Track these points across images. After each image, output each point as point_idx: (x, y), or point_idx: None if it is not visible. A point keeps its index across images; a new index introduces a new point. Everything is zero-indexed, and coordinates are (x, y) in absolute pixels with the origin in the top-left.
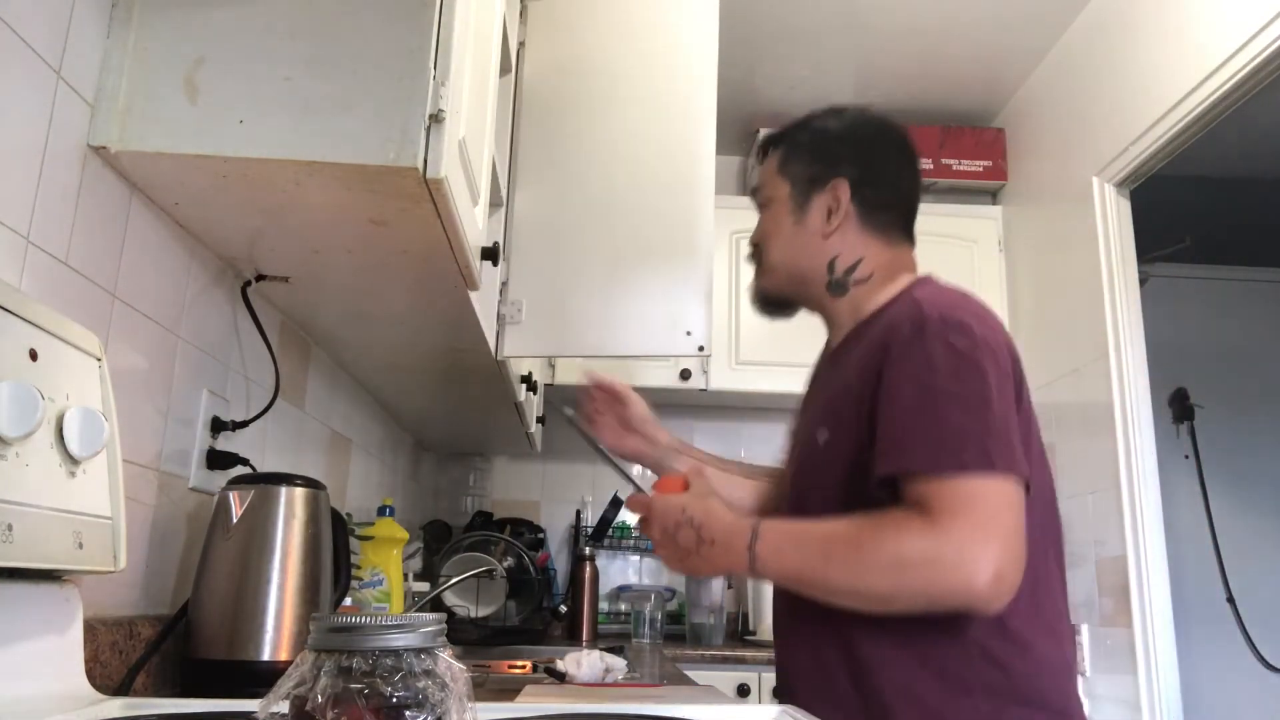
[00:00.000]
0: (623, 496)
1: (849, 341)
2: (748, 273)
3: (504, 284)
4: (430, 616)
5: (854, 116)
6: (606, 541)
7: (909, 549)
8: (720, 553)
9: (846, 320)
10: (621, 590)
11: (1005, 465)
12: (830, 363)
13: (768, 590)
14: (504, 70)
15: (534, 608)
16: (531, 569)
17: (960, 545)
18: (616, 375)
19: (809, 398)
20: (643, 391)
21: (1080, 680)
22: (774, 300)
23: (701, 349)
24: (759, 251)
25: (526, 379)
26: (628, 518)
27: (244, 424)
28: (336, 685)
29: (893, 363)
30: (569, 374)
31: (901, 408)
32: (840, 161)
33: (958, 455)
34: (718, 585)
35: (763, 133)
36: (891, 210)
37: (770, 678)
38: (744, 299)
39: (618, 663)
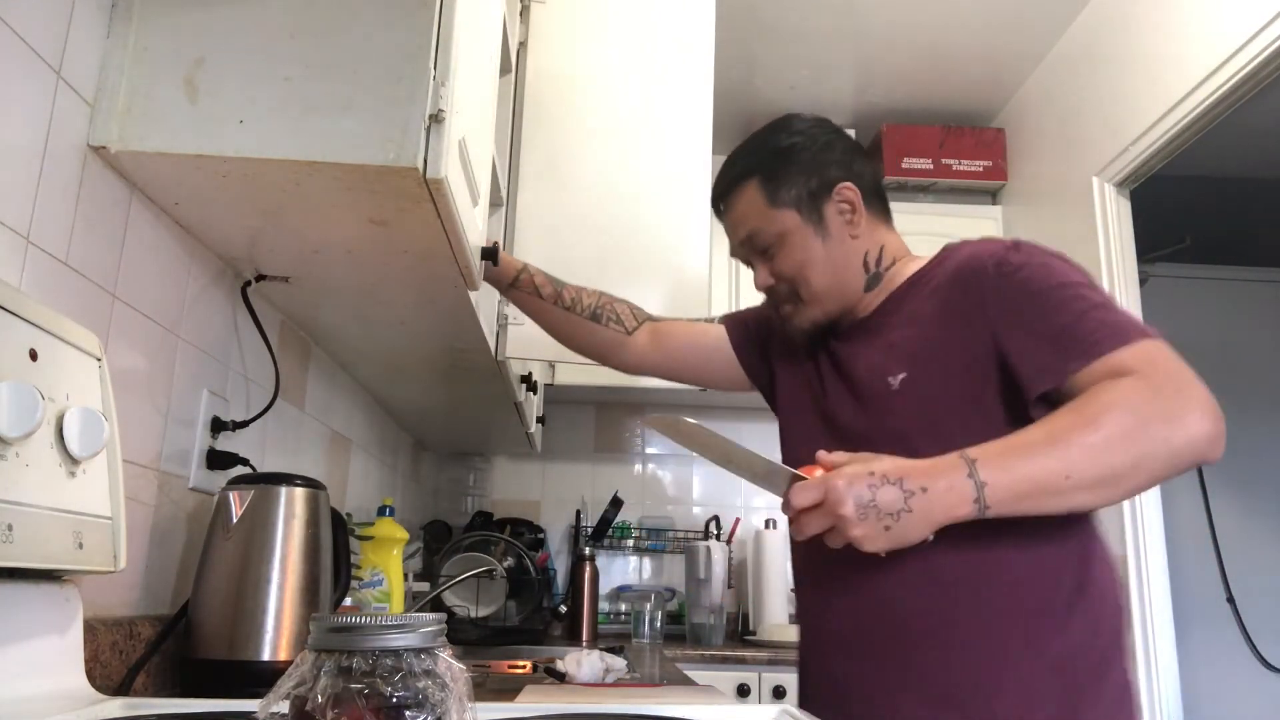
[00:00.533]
0: (622, 497)
1: (888, 306)
2: (749, 275)
3: None
4: (430, 616)
5: (802, 124)
6: (606, 541)
7: (1141, 405)
8: (932, 499)
9: (877, 298)
10: (621, 590)
11: (1153, 332)
12: (855, 334)
13: (768, 591)
14: (504, 70)
15: (534, 608)
16: (531, 569)
17: (1179, 392)
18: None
19: (832, 368)
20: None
21: None
22: (823, 326)
23: None
24: (794, 288)
25: (526, 379)
26: (628, 517)
27: (244, 424)
28: (336, 685)
29: (1013, 289)
30: (569, 375)
31: (1052, 318)
32: (828, 166)
33: (1122, 333)
34: (718, 585)
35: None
36: (879, 194)
37: (770, 677)
38: (744, 299)
39: (618, 663)
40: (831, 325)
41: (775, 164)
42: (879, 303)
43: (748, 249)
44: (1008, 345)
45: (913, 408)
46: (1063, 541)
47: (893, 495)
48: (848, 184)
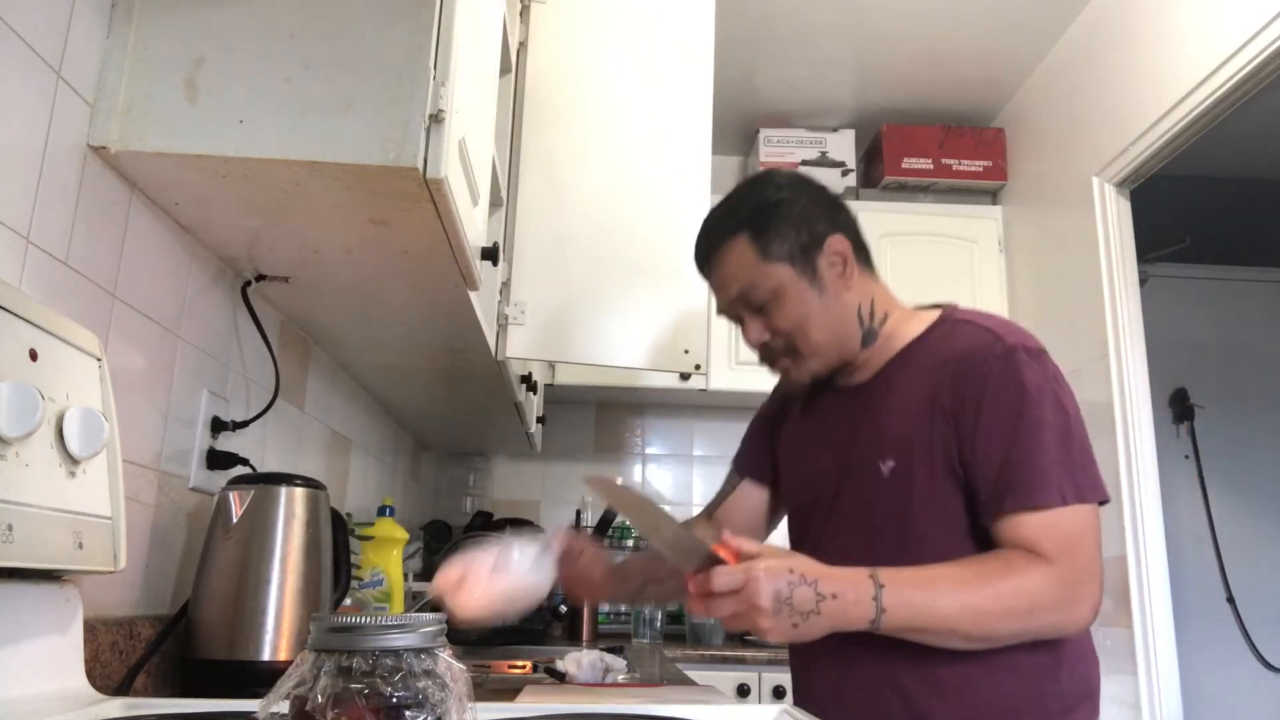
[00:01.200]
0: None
1: (886, 375)
2: None
3: (505, 284)
4: (430, 616)
5: (783, 180)
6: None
7: (1038, 595)
8: (840, 607)
9: (875, 359)
10: None
11: (1094, 493)
12: (856, 398)
13: None
14: (504, 70)
15: (534, 608)
16: None
17: (1077, 587)
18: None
19: (826, 432)
20: (643, 392)
21: None
22: (822, 379)
23: (698, 367)
24: (792, 342)
25: (526, 379)
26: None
27: (244, 424)
28: (336, 685)
29: (981, 398)
30: (569, 375)
31: (1001, 443)
32: (816, 220)
33: (1060, 489)
34: None
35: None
36: (864, 246)
37: (770, 677)
38: None
39: (618, 663)
40: (828, 379)
41: (764, 219)
42: (878, 367)
43: (740, 306)
44: (967, 462)
45: (898, 499)
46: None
47: (807, 596)
48: (838, 236)
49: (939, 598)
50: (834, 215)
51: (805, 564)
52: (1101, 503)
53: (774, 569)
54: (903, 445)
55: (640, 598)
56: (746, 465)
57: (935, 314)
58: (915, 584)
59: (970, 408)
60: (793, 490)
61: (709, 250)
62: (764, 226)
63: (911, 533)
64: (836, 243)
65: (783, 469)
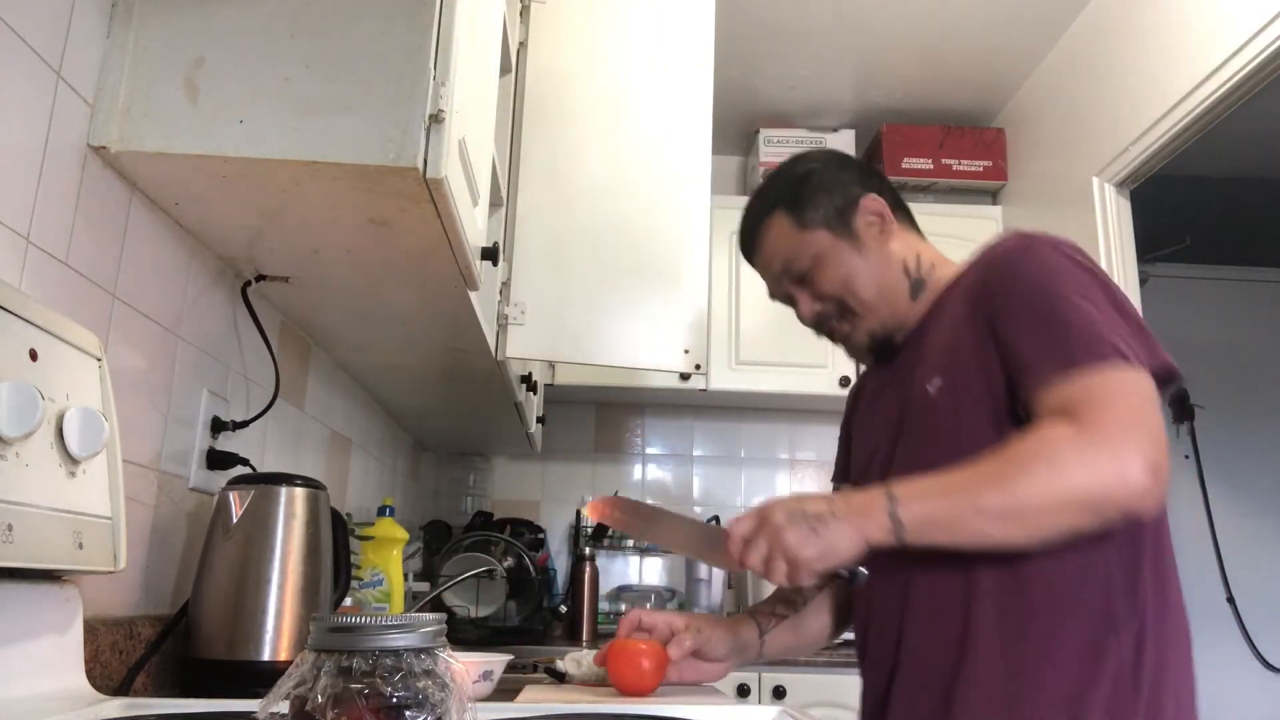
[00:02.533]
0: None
1: (928, 321)
2: (752, 273)
3: (505, 284)
4: (430, 616)
5: (813, 154)
6: (606, 541)
7: (1060, 453)
8: (855, 510)
9: (921, 307)
10: (621, 590)
11: (1139, 357)
12: (906, 348)
13: (768, 591)
14: (504, 70)
15: (534, 608)
16: (531, 569)
17: (1111, 439)
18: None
19: (883, 393)
20: (643, 392)
21: None
22: (881, 339)
23: (698, 367)
24: (843, 304)
25: (526, 379)
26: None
27: (244, 424)
28: (336, 685)
29: (1006, 283)
30: (569, 375)
31: (1027, 319)
32: (848, 184)
33: (1091, 348)
34: (718, 585)
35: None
36: (903, 207)
37: (770, 678)
38: (744, 298)
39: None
40: (887, 344)
41: (796, 190)
42: (924, 311)
43: (786, 281)
44: (1002, 345)
45: (948, 414)
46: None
47: (818, 504)
48: (871, 195)
49: (951, 477)
50: (866, 178)
51: (812, 494)
52: (1165, 379)
53: (781, 498)
54: (946, 361)
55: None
56: (839, 474)
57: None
58: (929, 480)
59: (1001, 296)
60: (855, 460)
61: (751, 236)
62: (797, 198)
63: (953, 451)
64: (871, 202)
65: (852, 444)
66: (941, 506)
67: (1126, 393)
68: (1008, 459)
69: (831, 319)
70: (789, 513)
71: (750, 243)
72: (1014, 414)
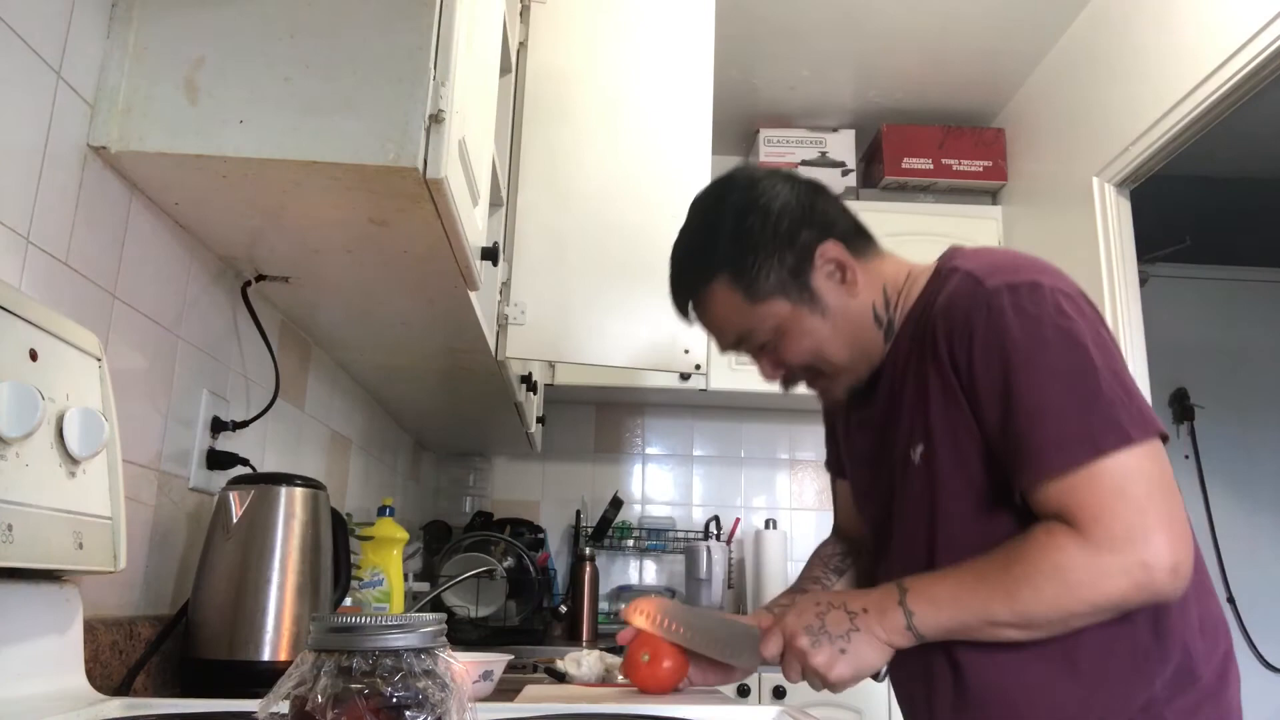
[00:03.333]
0: (622, 497)
1: (895, 351)
2: None
3: (505, 284)
4: (430, 616)
5: (743, 195)
6: (606, 541)
7: (1067, 570)
8: (873, 619)
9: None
10: (621, 590)
11: (1138, 429)
12: (879, 379)
13: (768, 591)
14: (504, 70)
15: (534, 608)
16: (531, 569)
17: (1118, 548)
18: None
19: (866, 420)
20: (643, 392)
21: None
22: (860, 388)
23: (698, 367)
24: (814, 369)
25: (526, 379)
26: (628, 517)
27: (244, 424)
28: (336, 685)
29: (975, 355)
30: (569, 375)
31: (1009, 406)
32: (796, 231)
33: (1086, 440)
34: (718, 585)
35: (679, 307)
36: (858, 229)
37: (771, 678)
38: None
39: (618, 663)
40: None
41: (739, 255)
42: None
43: (744, 348)
44: (980, 425)
45: (931, 483)
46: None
47: (839, 618)
48: (827, 243)
49: (962, 587)
50: (814, 215)
51: (832, 594)
52: (1163, 437)
53: (800, 608)
54: (927, 429)
55: None
56: (833, 465)
57: (930, 269)
58: (938, 579)
59: (965, 374)
60: (850, 476)
61: (687, 298)
62: (742, 263)
63: (929, 523)
64: (828, 250)
65: (846, 464)
66: (955, 617)
67: (1131, 483)
68: (1014, 570)
69: (799, 380)
70: (810, 632)
71: (686, 305)
72: (994, 487)
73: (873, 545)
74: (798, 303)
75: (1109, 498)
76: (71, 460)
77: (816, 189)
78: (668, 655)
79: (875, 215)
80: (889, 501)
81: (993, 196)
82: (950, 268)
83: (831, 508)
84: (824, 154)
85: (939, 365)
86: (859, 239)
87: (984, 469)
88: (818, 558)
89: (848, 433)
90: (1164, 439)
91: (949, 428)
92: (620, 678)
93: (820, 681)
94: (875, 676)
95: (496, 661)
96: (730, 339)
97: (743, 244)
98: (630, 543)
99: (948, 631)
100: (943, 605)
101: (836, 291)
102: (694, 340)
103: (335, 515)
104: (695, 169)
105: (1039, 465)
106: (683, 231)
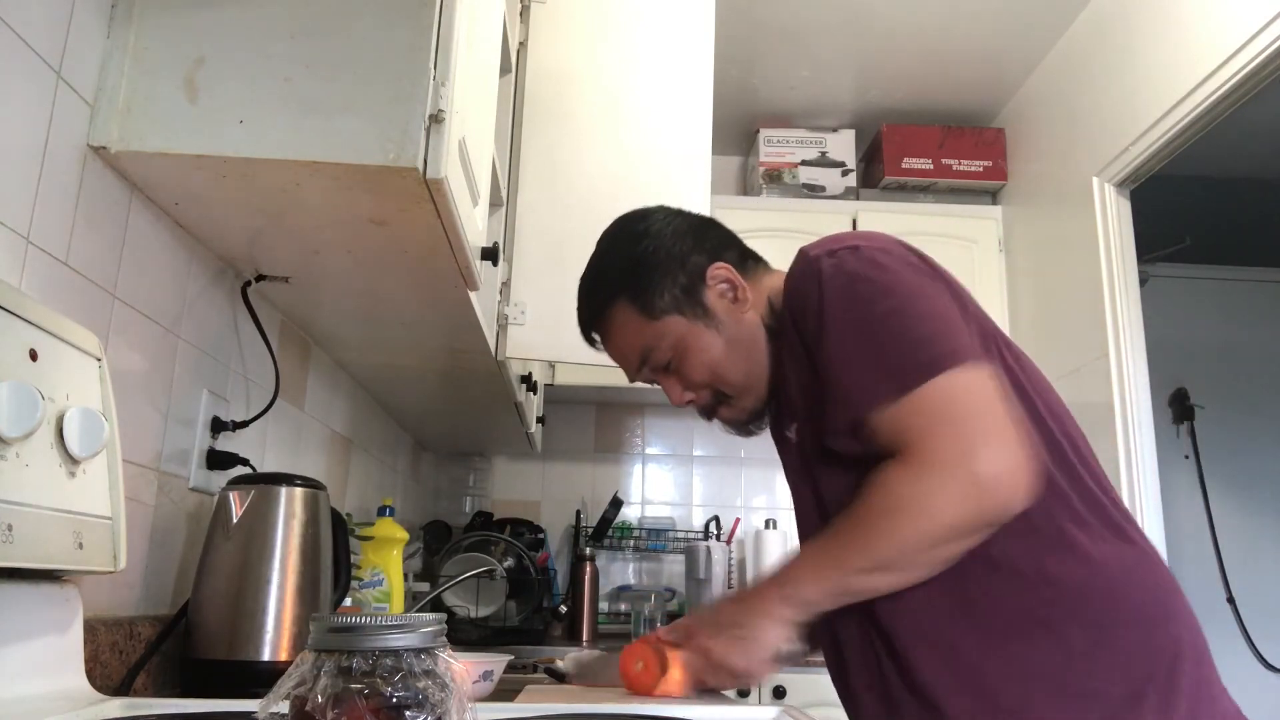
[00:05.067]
0: (622, 497)
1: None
2: None
3: (505, 284)
4: (430, 616)
5: (642, 225)
6: (606, 541)
7: (901, 498)
8: (757, 597)
9: None
10: (621, 590)
11: (948, 359)
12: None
13: None
14: (504, 70)
15: (534, 608)
16: (531, 569)
17: (942, 463)
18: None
19: (783, 452)
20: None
21: None
22: (762, 411)
23: None
24: (715, 388)
25: (526, 379)
26: (628, 517)
27: (244, 424)
28: (336, 685)
29: (807, 321)
30: (569, 375)
31: (827, 359)
32: (689, 254)
33: (899, 373)
34: (718, 585)
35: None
36: (747, 253)
37: (770, 677)
38: None
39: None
40: (766, 411)
41: (636, 276)
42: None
43: (648, 370)
44: (819, 360)
45: (805, 456)
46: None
47: (730, 611)
48: (718, 264)
49: (823, 547)
50: (704, 240)
51: (718, 600)
52: (980, 363)
53: (695, 618)
54: (792, 405)
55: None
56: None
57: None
58: (802, 553)
59: (808, 336)
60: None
61: (592, 325)
62: (638, 285)
63: (814, 494)
64: (718, 270)
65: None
66: (825, 582)
67: (947, 405)
68: (858, 515)
69: (708, 403)
70: (713, 628)
71: (592, 332)
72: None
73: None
74: (693, 319)
75: (926, 422)
76: (71, 460)
77: (707, 220)
78: (661, 663)
79: (875, 215)
80: (791, 481)
81: (993, 196)
82: (796, 256)
83: None
84: (824, 154)
85: (790, 341)
86: (747, 260)
87: (823, 435)
88: None
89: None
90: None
91: (810, 399)
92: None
93: (730, 676)
94: (796, 661)
95: (496, 661)
96: (635, 360)
97: (640, 267)
98: (630, 543)
99: (827, 592)
100: (806, 574)
101: (729, 309)
102: None
103: (335, 515)
104: (695, 169)
105: (870, 398)
106: (587, 266)
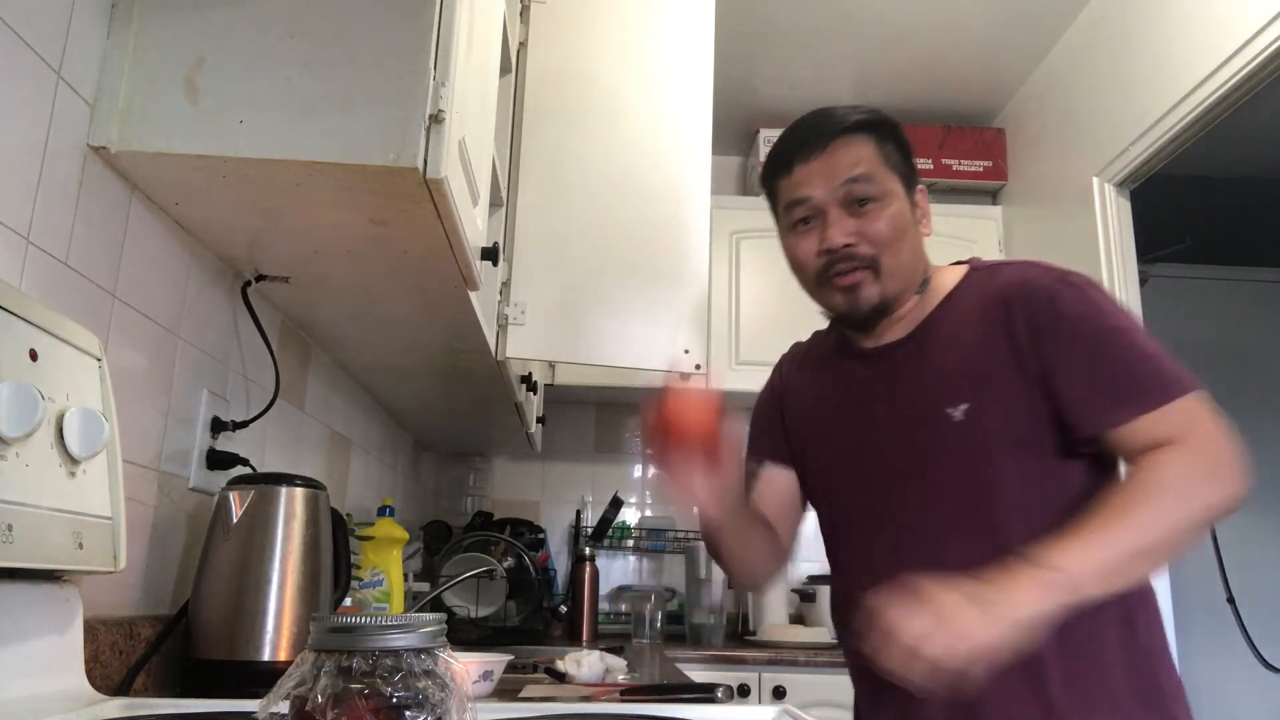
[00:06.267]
0: (622, 497)
1: (929, 326)
2: (752, 273)
3: (505, 284)
4: (430, 616)
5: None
6: (606, 541)
7: (1189, 480)
8: (1013, 581)
9: (913, 313)
10: (621, 590)
11: (1194, 382)
12: (895, 354)
13: (768, 591)
14: (504, 70)
15: (534, 608)
16: (531, 569)
17: (1224, 455)
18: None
19: (861, 395)
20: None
21: None
22: (881, 309)
23: (698, 367)
24: (877, 255)
25: (526, 379)
26: (627, 518)
27: (244, 424)
28: (336, 685)
29: (1060, 326)
30: (569, 375)
31: (1100, 364)
32: (914, 167)
33: (1173, 383)
34: (718, 585)
35: (847, 115)
36: None
37: (770, 677)
38: (744, 298)
39: (618, 663)
40: (880, 315)
41: (891, 133)
42: (916, 320)
43: (840, 194)
44: (1059, 385)
45: (975, 442)
46: None
47: (973, 586)
48: (922, 189)
49: (1086, 523)
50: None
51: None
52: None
53: (931, 585)
54: (973, 388)
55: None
56: (765, 449)
57: (963, 267)
58: (1066, 533)
59: (1049, 336)
60: (822, 464)
61: (826, 135)
62: (889, 138)
63: (982, 479)
64: (922, 191)
65: (805, 444)
66: (1092, 562)
67: (1212, 416)
68: (1128, 500)
69: (850, 260)
70: (943, 593)
71: (831, 137)
72: (1040, 444)
73: (844, 521)
74: (906, 194)
75: (1205, 421)
76: (71, 460)
77: None
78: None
79: None
80: (917, 468)
81: (993, 196)
82: (990, 265)
83: None
84: None
85: (1010, 331)
86: None
87: (1040, 434)
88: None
89: (815, 408)
90: None
91: (1006, 389)
92: (620, 678)
93: (960, 646)
94: (966, 689)
95: (496, 661)
96: (844, 175)
97: (895, 131)
98: (630, 543)
99: (1094, 573)
100: (1079, 547)
101: (919, 220)
102: (694, 340)
103: (335, 515)
104: (695, 169)
105: (1141, 398)
106: (839, 107)
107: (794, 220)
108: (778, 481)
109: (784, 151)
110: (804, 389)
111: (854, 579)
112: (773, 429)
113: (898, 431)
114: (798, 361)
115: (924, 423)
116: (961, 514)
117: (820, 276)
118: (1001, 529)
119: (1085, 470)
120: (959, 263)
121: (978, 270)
